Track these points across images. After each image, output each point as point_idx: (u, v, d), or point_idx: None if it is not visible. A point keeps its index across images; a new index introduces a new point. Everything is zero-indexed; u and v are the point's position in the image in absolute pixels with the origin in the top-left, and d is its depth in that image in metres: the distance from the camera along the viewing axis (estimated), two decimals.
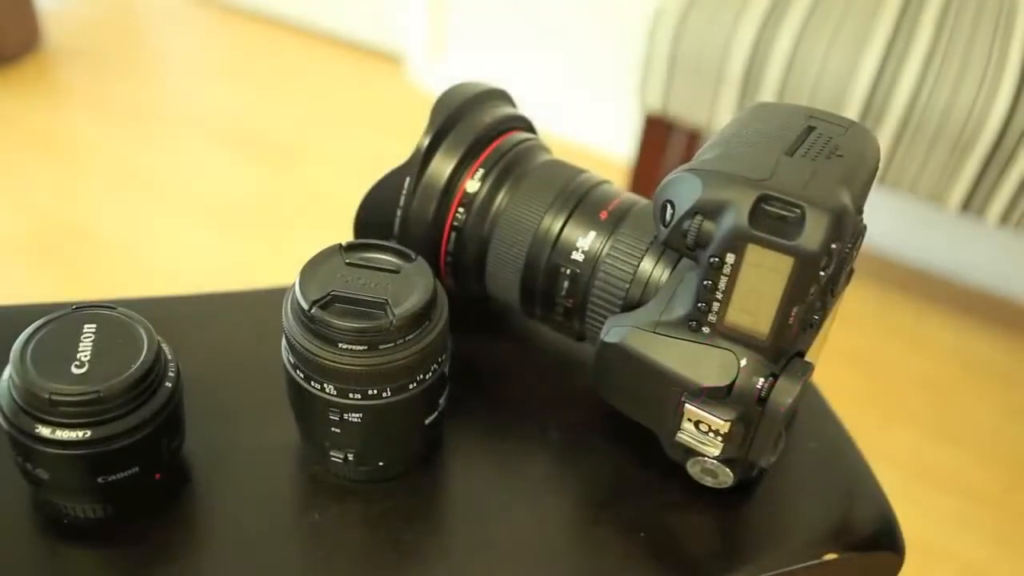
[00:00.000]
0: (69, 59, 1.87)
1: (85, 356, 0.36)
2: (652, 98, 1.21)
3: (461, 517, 0.41)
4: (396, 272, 0.38)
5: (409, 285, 0.38)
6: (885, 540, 0.42)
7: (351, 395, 0.37)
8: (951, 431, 1.28)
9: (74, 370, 0.35)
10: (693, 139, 1.42)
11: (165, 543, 0.38)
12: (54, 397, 0.34)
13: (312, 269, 0.38)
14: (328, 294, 0.37)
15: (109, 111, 1.76)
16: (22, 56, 1.82)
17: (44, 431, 0.35)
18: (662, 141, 1.27)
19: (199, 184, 1.61)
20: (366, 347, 0.36)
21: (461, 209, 0.43)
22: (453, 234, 0.43)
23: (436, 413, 0.40)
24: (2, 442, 0.37)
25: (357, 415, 0.38)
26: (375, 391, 0.37)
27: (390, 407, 0.38)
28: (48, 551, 0.38)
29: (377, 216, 0.44)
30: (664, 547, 0.40)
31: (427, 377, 0.38)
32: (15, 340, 0.36)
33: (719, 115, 1.17)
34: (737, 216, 0.35)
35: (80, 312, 0.38)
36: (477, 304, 0.47)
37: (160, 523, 0.39)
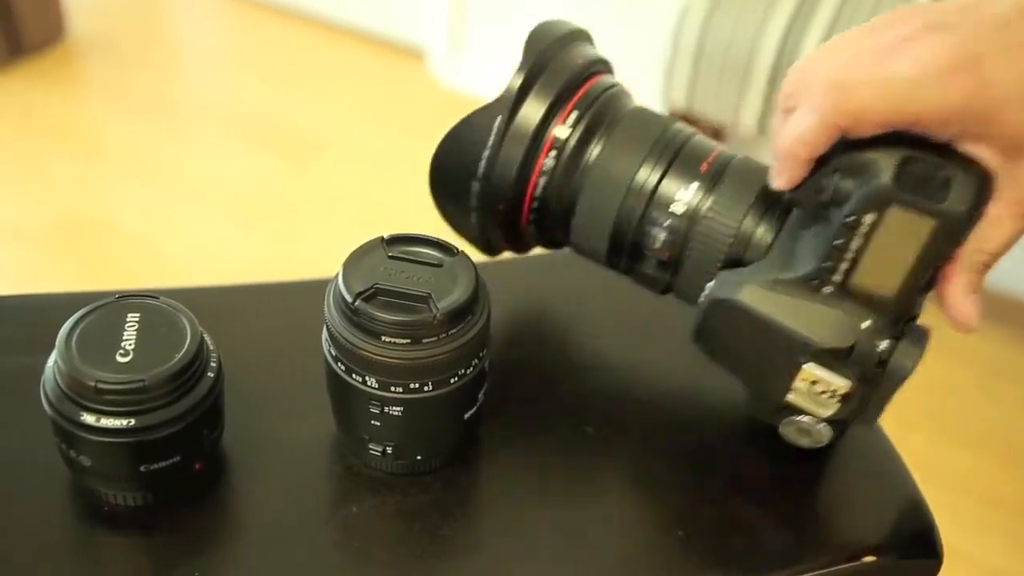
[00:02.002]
0: (92, 51, 1.88)
1: (129, 345, 0.36)
2: (677, 95, 1.21)
3: (497, 511, 0.41)
4: (439, 266, 0.38)
5: (452, 279, 0.38)
6: (924, 545, 0.42)
7: (392, 388, 0.37)
8: (970, 435, 1.27)
9: (119, 358, 0.35)
10: (717, 137, 1.41)
11: (203, 532, 0.39)
12: (100, 385, 0.34)
13: (355, 261, 0.38)
14: (372, 287, 0.37)
15: (132, 103, 1.77)
16: (46, 47, 1.82)
17: (89, 419, 0.35)
18: None
19: (219, 177, 1.62)
20: (409, 340, 0.36)
21: (552, 153, 0.42)
22: (542, 180, 0.42)
23: (475, 407, 0.40)
24: (44, 428, 0.37)
25: (398, 408, 0.38)
26: (417, 385, 0.37)
27: (431, 401, 0.38)
28: (87, 538, 0.38)
29: (455, 158, 0.42)
30: (701, 545, 0.40)
31: (468, 372, 0.38)
32: (57, 328, 0.37)
33: (745, 113, 1.16)
34: (881, 175, 0.34)
35: (124, 301, 0.38)
36: (554, 247, 0.46)
37: (198, 512, 0.39)
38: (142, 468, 0.36)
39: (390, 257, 0.38)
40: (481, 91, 1.79)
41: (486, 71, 1.79)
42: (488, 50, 1.82)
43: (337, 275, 0.38)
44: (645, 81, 1.56)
